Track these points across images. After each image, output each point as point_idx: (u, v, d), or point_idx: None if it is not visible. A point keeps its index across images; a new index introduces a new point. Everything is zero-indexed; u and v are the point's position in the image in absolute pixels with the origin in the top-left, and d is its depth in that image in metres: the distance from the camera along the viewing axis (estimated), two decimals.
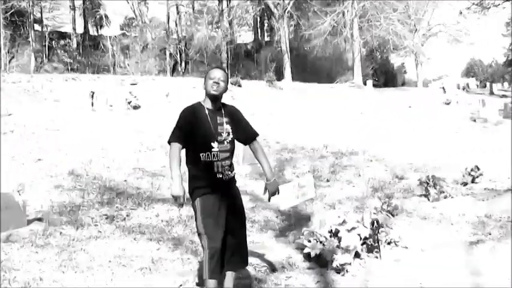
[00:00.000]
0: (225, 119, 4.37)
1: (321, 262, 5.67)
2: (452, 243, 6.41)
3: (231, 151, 4.39)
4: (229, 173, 4.34)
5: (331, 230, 5.73)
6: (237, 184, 4.56)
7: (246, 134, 4.51)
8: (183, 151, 4.31)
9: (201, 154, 4.21)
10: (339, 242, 5.57)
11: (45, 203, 8.20)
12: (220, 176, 4.26)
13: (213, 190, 4.22)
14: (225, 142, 4.31)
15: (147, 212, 8.03)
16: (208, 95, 4.31)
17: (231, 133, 4.37)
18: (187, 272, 5.47)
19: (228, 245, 4.27)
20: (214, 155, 4.23)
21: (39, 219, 7.26)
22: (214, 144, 4.24)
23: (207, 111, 4.29)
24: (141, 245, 6.47)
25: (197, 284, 5.13)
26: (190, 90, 27.09)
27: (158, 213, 7.95)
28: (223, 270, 4.33)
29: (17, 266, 5.55)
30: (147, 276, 5.40)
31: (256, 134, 4.56)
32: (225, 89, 4.34)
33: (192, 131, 4.22)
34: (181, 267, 5.68)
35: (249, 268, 5.54)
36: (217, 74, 4.30)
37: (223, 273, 4.37)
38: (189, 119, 4.24)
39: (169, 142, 4.29)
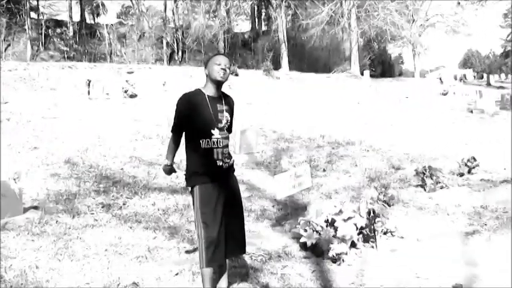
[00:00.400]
0: (224, 107, 4.35)
1: (317, 251, 5.68)
2: (448, 234, 6.43)
3: (229, 139, 4.39)
4: (229, 160, 4.33)
5: (328, 220, 5.74)
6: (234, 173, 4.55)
7: (228, 129, 4.50)
8: (183, 138, 4.33)
9: (201, 140, 4.18)
10: (335, 231, 5.58)
11: (41, 191, 8.19)
12: (220, 163, 4.25)
13: (212, 179, 4.20)
14: (224, 129, 4.30)
15: (144, 200, 8.02)
16: (214, 81, 4.27)
17: (229, 121, 4.37)
18: (184, 261, 5.47)
19: (227, 234, 4.26)
20: (214, 142, 4.22)
21: (35, 208, 7.26)
22: (215, 131, 4.22)
23: (207, 98, 4.26)
24: (137, 233, 6.47)
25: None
26: (187, 79, 27.07)
27: (154, 202, 7.95)
28: (226, 257, 4.36)
29: (13, 254, 5.55)
30: (143, 264, 5.41)
31: (230, 131, 4.58)
32: (228, 77, 4.35)
33: (192, 118, 4.18)
34: (178, 256, 5.68)
35: (246, 257, 5.56)
36: (223, 60, 4.28)
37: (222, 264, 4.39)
38: (188, 106, 4.19)
39: (172, 131, 4.38)
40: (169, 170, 4.48)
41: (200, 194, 4.19)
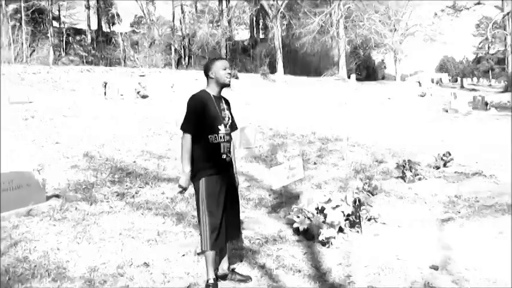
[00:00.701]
0: (225, 106, 4.36)
1: (308, 236, 5.68)
2: (426, 220, 6.43)
3: (231, 135, 4.38)
4: (230, 154, 4.34)
5: (318, 207, 5.74)
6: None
7: (232, 124, 4.46)
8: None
9: (209, 136, 4.16)
10: (325, 218, 5.58)
11: (63, 181, 8.17)
12: (225, 156, 4.25)
13: (217, 171, 4.18)
14: (227, 126, 4.30)
15: (154, 190, 8.01)
16: (223, 84, 4.29)
17: (230, 118, 4.36)
18: (189, 244, 5.47)
19: (226, 220, 4.26)
20: (221, 137, 4.21)
21: (57, 196, 7.24)
22: (221, 127, 4.22)
23: (213, 98, 4.25)
24: (148, 219, 6.46)
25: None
26: (193, 82, 27.06)
27: (164, 191, 7.93)
28: (226, 241, 4.37)
29: (37, 238, 5.55)
30: (153, 247, 5.41)
31: (237, 128, 4.53)
32: None
33: (203, 115, 4.15)
34: (184, 239, 5.68)
35: (245, 240, 5.56)
36: (227, 64, 4.30)
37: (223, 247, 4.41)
38: (200, 105, 4.16)
39: (183, 130, 4.18)
40: (189, 179, 4.20)
41: (206, 185, 4.16)
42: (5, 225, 5.93)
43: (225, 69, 4.25)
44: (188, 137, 4.15)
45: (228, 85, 4.31)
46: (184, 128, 4.18)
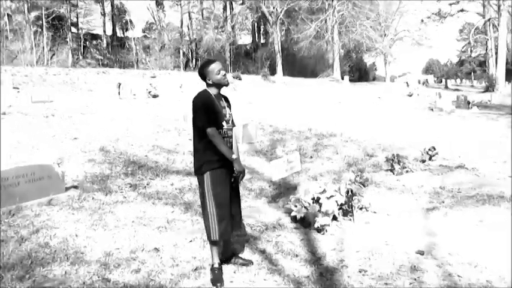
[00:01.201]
0: (225, 104, 4.33)
1: (305, 223, 5.68)
2: (413, 209, 6.42)
3: (233, 130, 4.35)
4: (232, 148, 4.31)
5: (314, 197, 5.73)
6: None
7: (232, 120, 4.41)
8: (196, 129, 4.14)
9: None
10: (320, 207, 5.57)
11: (80, 173, 8.17)
12: None
13: (222, 164, 4.10)
14: (229, 122, 4.27)
15: (164, 181, 8.01)
16: (224, 85, 4.24)
17: (231, 115, 4.33)
18: (196, 231, 5.47)
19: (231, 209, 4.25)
20: (224, 132, 4.17)
21: (75, 187, 7.25)
22: (224, 123, 4.18)
23: (214, 97, 4.22)
24: (159, 208, 6.46)
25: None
26: (200, 83, 26.96)
27: (173, 182, 7.93)
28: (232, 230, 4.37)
29: (57, 225, 5.55)
30: (163, 233, 5.41)
31: (235, 125, 4.42)
32: None
33: (211, 112, 4.08)
34: (191, 227, 5.68)
35: (247, 228, 5.57)
36: (220, 66, 4.23)
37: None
38: (210, 103, 4.11)
39: (205, 126, 4.01)
40: (241, 163, 4.16)
41: (212, 177, 4.09)
42: (27, 213, 5.94)
43: (219, 73, 4.20)
44: (213, 129, 4.01)
45: (227, 85, 4.28)
46: (205, 124, 4.02)
